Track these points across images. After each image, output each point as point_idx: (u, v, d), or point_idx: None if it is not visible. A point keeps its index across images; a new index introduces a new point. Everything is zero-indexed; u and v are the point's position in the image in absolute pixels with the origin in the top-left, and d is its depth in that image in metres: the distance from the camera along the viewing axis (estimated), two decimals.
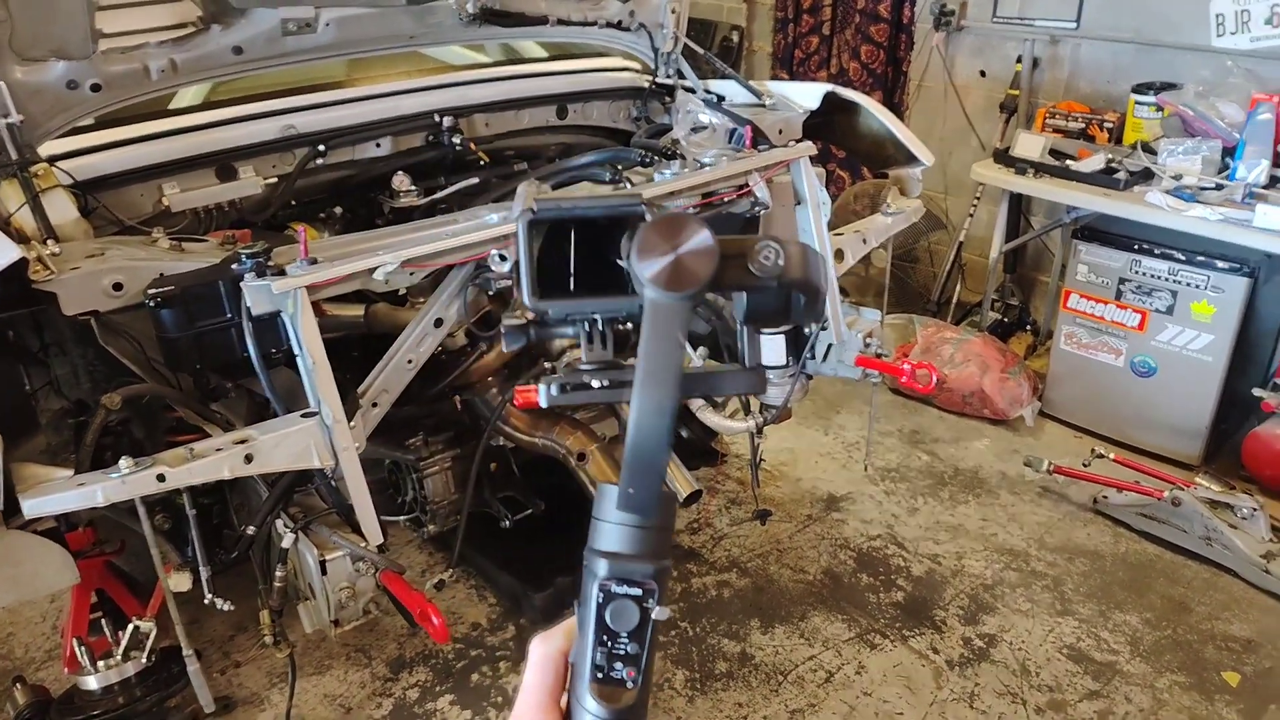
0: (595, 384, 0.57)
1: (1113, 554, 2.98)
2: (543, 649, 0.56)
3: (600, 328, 0.57)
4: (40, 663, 2.60)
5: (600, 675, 0.52)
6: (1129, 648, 2.60)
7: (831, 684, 2.50)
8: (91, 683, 2.03)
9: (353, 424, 1.88)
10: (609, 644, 0.52)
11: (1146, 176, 3.26)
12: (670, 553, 0.55)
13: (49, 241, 1.80)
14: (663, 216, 0.51)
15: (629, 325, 0.58)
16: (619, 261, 0.56)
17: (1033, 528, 3.11)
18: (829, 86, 2.66)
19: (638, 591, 0.52)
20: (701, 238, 0.50)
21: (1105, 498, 3.11)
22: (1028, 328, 4.14)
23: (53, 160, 1.98)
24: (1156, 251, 3.23)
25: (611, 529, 0.53)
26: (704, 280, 0.50)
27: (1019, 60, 3.89)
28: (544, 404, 0.57)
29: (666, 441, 0.51)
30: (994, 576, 2.88)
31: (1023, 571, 2.90)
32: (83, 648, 2.04)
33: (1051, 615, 2.73)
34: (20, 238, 1.80)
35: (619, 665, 0.52)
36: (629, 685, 0.52)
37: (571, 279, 0.58)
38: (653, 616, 0.52)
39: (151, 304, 1.77)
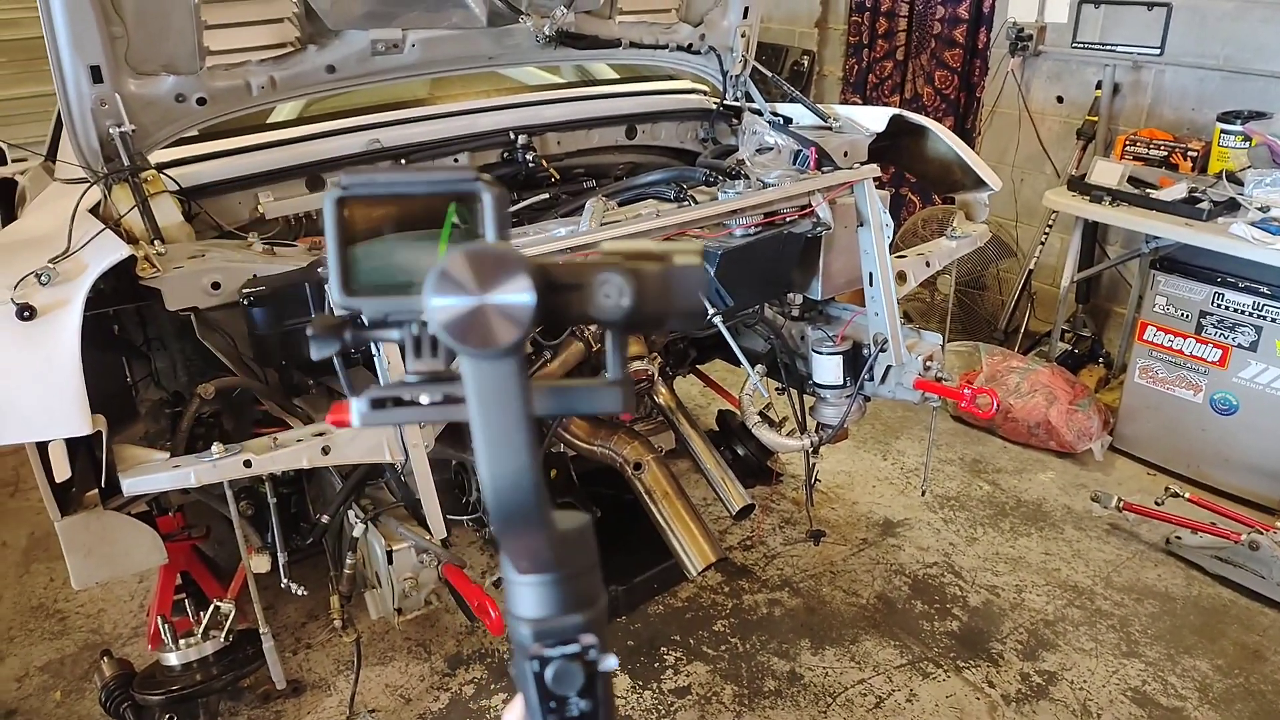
0: (424, 400, 0.46)
1: (1184, 596, 2.87)
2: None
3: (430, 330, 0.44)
4: (127, 638, 2.76)
5: None
6: (1197, 694, 2.50)
7: (881, 709, 2.47)
8: (172, 659, 2.14)
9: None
10: (559, 709, 0.47)
11: (1232, 207, 3.16)
12: (601, 588, 0.48)
13: (155, 242, 1.95)
14: (480, 248, 0.41)
15: None
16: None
17: (1099, 565, 3.01)
18: (895, 110, 2.68)
19: (575, 648, 0.46)
20: (518, 288, 0.41)
21: (1179, 538, 3.00)
22: (1100, 360, 4.02)
23: (160, 168, 2.14)
24: (1240, 285, 3.12)
25: (525, 590, 0.46)
26: (507, 344, 0.41)
27: (1098, 86, 3.82)
28: (356, 423, 0.46)
29: (536, 499, 0.44)
30: (1056, 612, 2.81)
31: (1087, 609, 2.82)
32: (166, 626, 2.15)
33: (1116, 656, 2.64)
34: (130, 238, 1.95)
35: None
36: None
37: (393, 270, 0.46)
38: (600, 669, 0.47)
39: (245, 302, 1.90)
